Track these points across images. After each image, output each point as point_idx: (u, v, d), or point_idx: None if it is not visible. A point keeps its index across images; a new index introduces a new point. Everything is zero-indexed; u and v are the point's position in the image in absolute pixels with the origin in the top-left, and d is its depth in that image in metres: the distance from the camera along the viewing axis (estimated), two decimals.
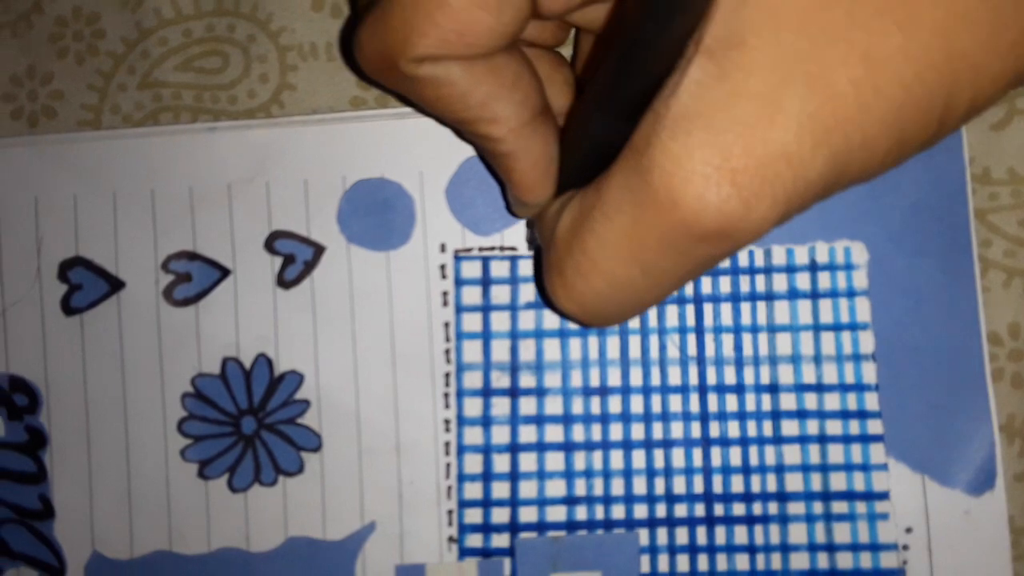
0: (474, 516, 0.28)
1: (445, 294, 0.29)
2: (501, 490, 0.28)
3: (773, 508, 0.28)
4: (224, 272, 0.29)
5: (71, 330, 0.29)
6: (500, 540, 0.28)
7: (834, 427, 0.28)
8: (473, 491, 0.28)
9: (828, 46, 0.18)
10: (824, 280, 0.28)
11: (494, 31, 0.20)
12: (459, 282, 0.29)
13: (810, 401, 0.28)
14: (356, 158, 0.29)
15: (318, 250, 0.29)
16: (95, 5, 0.30)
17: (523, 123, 0.22)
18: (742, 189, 0.18)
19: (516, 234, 0.29)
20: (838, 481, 0.28)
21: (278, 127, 0.29)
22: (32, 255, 0.29)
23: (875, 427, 0.28)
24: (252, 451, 0.29)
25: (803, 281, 0.28)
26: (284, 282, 0.29)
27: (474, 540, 0.28)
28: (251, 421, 0.29)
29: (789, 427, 0.28)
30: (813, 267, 0.28)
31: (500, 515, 0.28)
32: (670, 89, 0.18)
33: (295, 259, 0.29)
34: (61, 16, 0.30)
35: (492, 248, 0.29)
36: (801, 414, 0.28)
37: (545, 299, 0.28)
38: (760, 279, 0.28)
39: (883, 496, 0.28)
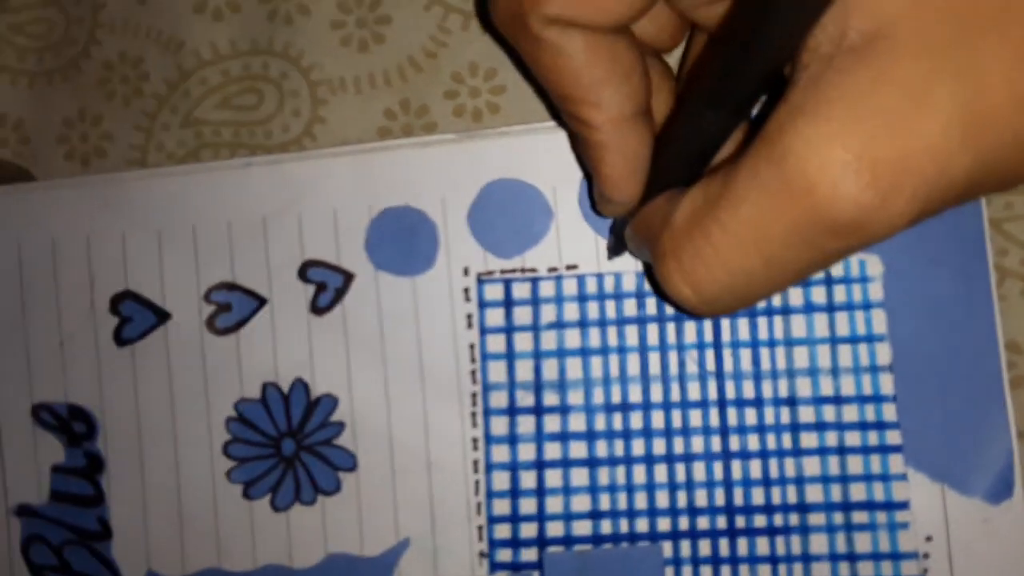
0: (503, 531, 0.30)
1: (469, 316, 0.30)
2: (528, 506, 0.30)
3: (794, 519, 0.29)
4: (261, 301, 0.31)
5: (123, 360, 0.31)
6: (529, 554, 0.30)
7: (853, 438, 0.28)
8: (502, 507, 0.30)
9: (980, 37, 0.17)
10: (840, 293, 0.29)
11: (623, 1, 0.21)
12: (482, 304, 0.30)
13: (828, 413, 0.29)
14: (382, 187, 0.31)
15: (348, 277, 0.31)
16: (139, 49, 0.33)
17: (624, 116, 0.23)
18: (880, 180, 0.17)
19: (537, 256, 0.30)
20: (858, 492, 0.28)
21: (308, 160, 0.31)
22: (86, 290, 0.32)
23: (894, 438, 0.28)
24: (292, 472, 0.31)
25: (819, 295, 0.29)
26: (317, 309, 0.31)
27: (504, 555, 0.30)
28: (290, 443, 0.31)
29: (808, 439, 0.29)
30: (828, 280, 0.29)
31: (528, 530, 0.30)
32: (808, 78, 0.18)
33: (327, 287, 0.31)
34: (108, 60, 0.33)
35: (513, 270, 0.30)
36: (820, 426, 0.29)
37: (658, 292, 0.29)
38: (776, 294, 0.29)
39: (903, 506, 0.28)
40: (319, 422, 0.31)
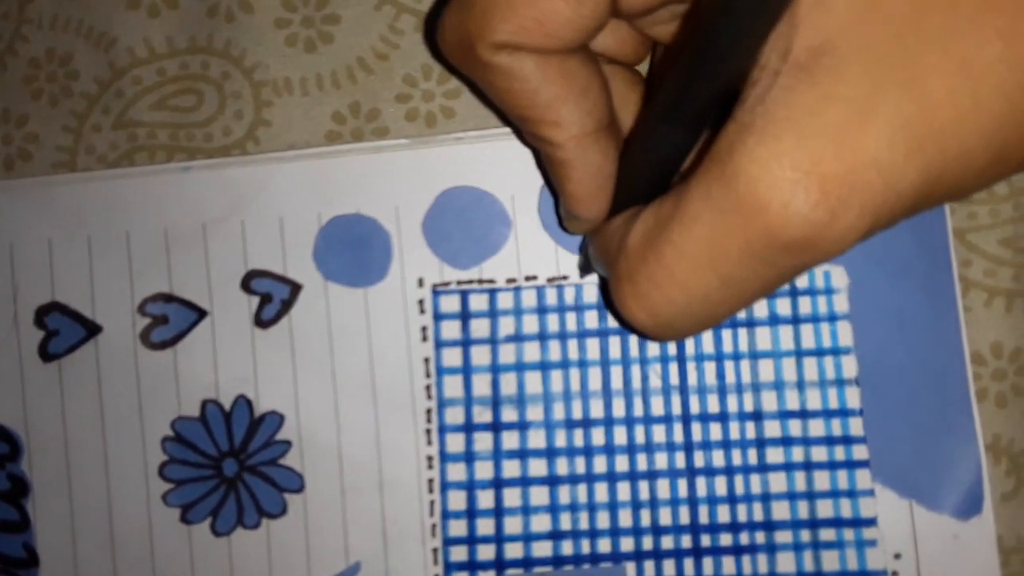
0: (459, 554, 0.29)
1: (424, 329, 0.29)
2: (486, 527, 0.29)
3: (760, 537, 0.28)
4: (201, 313, 0.30)
5: (49, 376, 0.30)
6: None
7: (819, 454, 0.28)
8: (458, 528, 0.29)
9: (922, 52, 0.18)
10: (805, 305, 0.28)
11: (572, 23, 0.21)
12: (438, 317, 0.29)
13: (794, 428, 0.28)
14: (331, 194, 0.29)
15: (295, 288, 0.30)
16: (68, 46, 0.31)
17: (585, 133, 0.23)
18: (829, 196, 0.18)
19: (494, 267, 0.29)
20: (825, 508, 0.28)
21: (252, 164, 0.30)
22: (9, 302, 0.30)
23: (860, 452, 0.28)
24: (235, 494, 0.30)
25: (784, 307, 0.29)
26: (262, 322, 0.30)
27: None
28: (232, 463, 0.30)
29: (774, 455, 0.28)
30: (793, 292, 0.28)
31: (486, 552, 0.29)
32: (756, 96, 0.18)
33: (272, 298, 0.30)
34: (34, 58, 0.31)
35: (470, 281, 0.29)
36: (786, 441, 0.28)
37: (616, 316, 0.28)
38: None
39: (871, 522, 0.28)
40: (263, 441, 0.29)
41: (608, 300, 0.28)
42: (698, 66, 0.19)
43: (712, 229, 0.19)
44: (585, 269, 0.29)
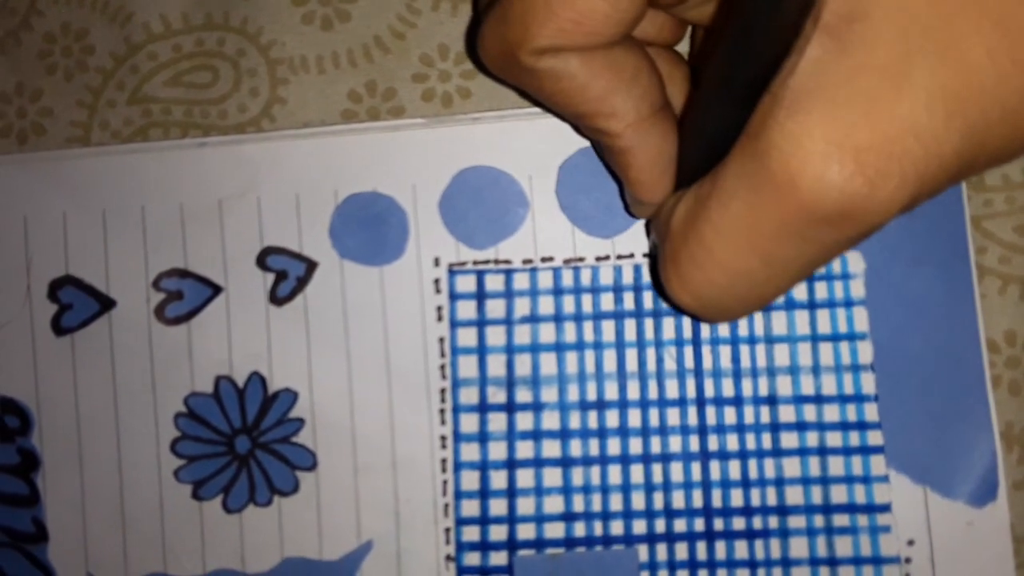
0: (472, 534, 0.29)
1: (440, 309, 0.29)
2: (499, 507, 0.29)
3: (773, 522, 0.28)
4: (216, 289, 0.30)
5: (62, 350, 0.30)
6: (498, 558, 0.29)
7: (834, 439, 0.28)
8: (470, 508, 0.29)
9: (957, 13, 0.17)
10: (821, 290, 0.29)
11: (611, 19, 0.21)
12: (453, 296, 0.29)
13: (809, 413, 0.28)
14: (348, 172, 0.29)
15: (311, 266, 0.30)
16: (84, 20, 0.31)
17: (642, 118, 0.23)
18: (866, 167, 0.17)
19: (510, 247, 0.29)
20: (839, 494, 0.28)
21: (268, 141, 0.30)
22: (22, 275, 0.30)
23: (875, 438, 0.28)
24: (247, 471, 0.30)
25: (800, 291, 0.28)
26: (277, 299, 0.30)
27: (472, 558, 0.29)
28: (245, 440, 0.30)
29: (788, 439, 0.28)
30: (810, 277, 0.29)
31: (498, 532, 0.29)
32: (788, 69, 0.18)
33: (287, 275, 0.30)
34: (49, 32, 0.31)
35: (487, 262, 0.29)
36: (800, 426, 0.28)
37: (664, 297, 0.28)
38: None
39: (885, 508, 0.28)
40: (276, 418, 0.30)
41: (658, 282, 0.28)
42: (738, 41, 0.19)
43: (747, 207, 0.19)
44: (654, 250, 0.28)
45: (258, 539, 0.29)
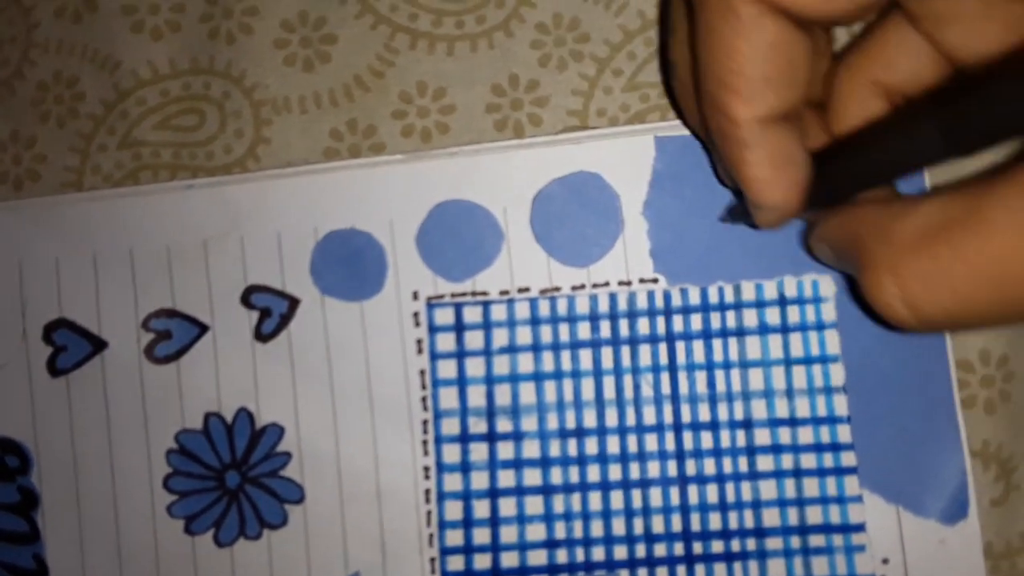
0: (456, 563, 0.29)
1: (419, 341, 0.30)
2: (482, 536, 0.29)
3: (751, 544, 0.29)
4: (203, 328, 0.31)
5: (58, 391, 0.31)
6: None
7: (808, 460, 0.28)
8: (454, 538, 0.29)
9: None
10: (793, 314, 0.29)
11: None
12: (432, 329, 0.30)
13: (784, 435, 0.29)
14: (327, 209, 0.30)
15: (293, 303, 0.30)
16: (74, 68, 0.32)
17: (775, 116, 0.21)
18: None
19: (487, 279, 0.30)
20: (814, 515, 0.28)
21: (251, 182, 0.31)
22: (18, 318, 0.31)
23: (848, 459, 0.28)
24: (237, 505, 0.30)
25: (773, 316, 0.29)
26: (261, 336, 0.30)
27: None
28: (235, 475, 0.30)
29: (764, 462, 0.29)
30: (782, 301, 0.29)
31: (482, 561, 0.29)
32: None
33: (271, 312, 0.30)
34: (42, 80, 0.32)
35: (464, 294, 0.30)
36: (776, 448, 0.29)
37: (857, 299, 0.27)
38: (731, 315, 0.29)
39: (859, 528, 0.28)
40: (264, 453, 0.30)
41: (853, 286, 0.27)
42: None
43: (1011, 248, 0.18)
44: (735, 217, 0.28)
45: (249, 571, 0.30)
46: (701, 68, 0.22)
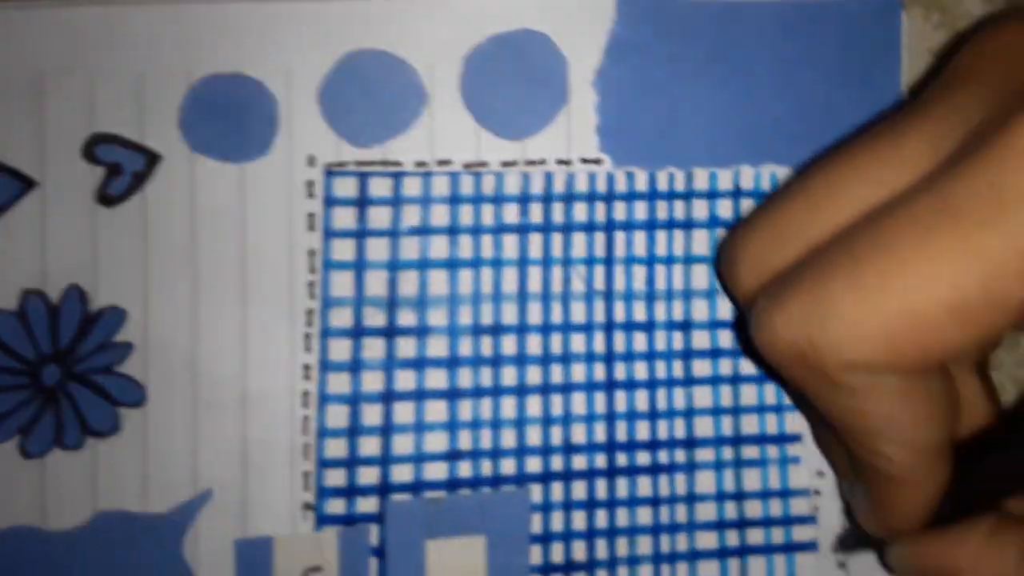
0: (336, 478, 0.25)
1: (311, 216, 0.26)
2: (370, 446, 0.25)
3: (680, 456, 0.26)
4: (28, 184, 0.25)
5: None
6: (367, 505, 0.25)
7: (748, 366, 0.26)
8: (336, 448, 0.25)
9: None
10: (747, 208, 0.27)
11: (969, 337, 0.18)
12: (329, 202, 0.26)
13: (724, 339, 0.26)
14: (206, 48, 0.25)
15: (152, 159, 0.25)
16: None
17: (930, 449, 0.20)
18: None
19: (402, 147, 0.25)
20: (750, 424, 0.27)
21: (108, 6, 0.25)
22: None
23: None
24: (54, 407, 0.25)
25: (725, 208, 0.26)
26: (107, 198, 0.25)
27: (335, 506, 0.25)
28: (54, 370, 0.25)
29: (701, 367, 0.26)
30: (737, 193, 0.26)
31: (368, 475, 0.25)
32: None
33: (122, 170, 0.25)
34: None
35: (372, 163, 0.25)
36: (714, 353, 0.26)
37: None
38: (679, 205, 0.26)
39: (795, 438, 0.27)
40: (97, 342, 0.25)
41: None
42: None
43: None
44: (847, 545, 0.26)
45: (64, 489, 0.24)
46: (836, 428, 0.21)
